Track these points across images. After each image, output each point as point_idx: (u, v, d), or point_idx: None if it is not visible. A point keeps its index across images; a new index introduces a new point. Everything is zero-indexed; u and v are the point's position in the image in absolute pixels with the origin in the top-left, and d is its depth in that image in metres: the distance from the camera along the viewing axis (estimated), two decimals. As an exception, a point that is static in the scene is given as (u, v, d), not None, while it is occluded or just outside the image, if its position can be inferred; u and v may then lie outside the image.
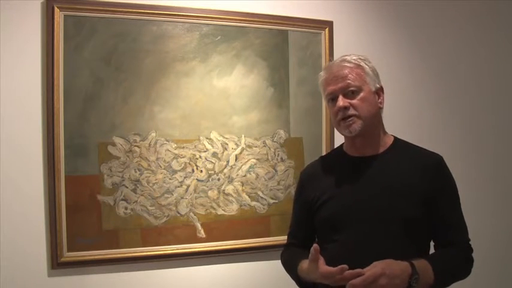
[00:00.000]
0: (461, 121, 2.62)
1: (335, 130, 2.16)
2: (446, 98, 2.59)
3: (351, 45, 2.31)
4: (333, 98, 1.45)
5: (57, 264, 1.89)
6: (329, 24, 2.31)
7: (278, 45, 2.23)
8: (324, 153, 2.25)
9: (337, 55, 2.25)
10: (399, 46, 2.50)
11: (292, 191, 2.22)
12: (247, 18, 2.16)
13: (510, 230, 2.68)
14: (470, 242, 1.45)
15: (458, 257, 1.41)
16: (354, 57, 1.46)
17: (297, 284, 1.51)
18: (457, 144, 2.56)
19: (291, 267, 1.52)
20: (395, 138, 1.52)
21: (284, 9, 2.24)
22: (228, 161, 2.15)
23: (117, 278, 1.99)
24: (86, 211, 1.93)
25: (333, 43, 2.30)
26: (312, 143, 2.28)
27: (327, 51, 2.29)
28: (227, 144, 2.15)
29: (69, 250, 1.91)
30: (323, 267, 1.30)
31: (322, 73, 1.51)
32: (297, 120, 2.26)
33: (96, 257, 1.94)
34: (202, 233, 2.10)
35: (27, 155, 1.88)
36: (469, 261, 1.44)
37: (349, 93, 1.42)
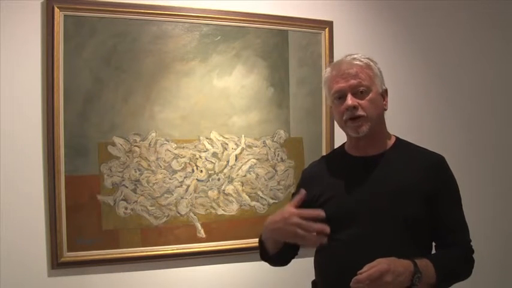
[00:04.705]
0: (462, 121, 2.62)
1: (335, 130, 2.19)
2: (447, 98, 2.59)
3: (351, 45, 2.30)
4: (340, 97, 1.42)
5: (57, 264, 1.89)
6: (329, 24, 2.31)
7: (278, 45, 2.22)
8: (324, 153, 2.25)
9: (337, 55, 2.26)
10: (399, 46, 2.49)
11: (293, 191, 2.22)
12: (247, 18, 2.16)
13: (510, 232, 2.68)
14: (471, 243, 1.44)
15: (459, 258, 1.40)
16: (363, 57, 1.44)
17: (260, 252, 1.47)
18: (457, 144, 2.56)
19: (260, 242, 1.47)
20: (397, 139, 1.52)
21: (284, 9, 2.24)
22: (228, 161, 2.15)
23: (117, 278, 1.99)
24: (86, 211, 1.93)
25: (333, 43, 2.30)
26: (312, 143, 2.28)
27: (327, 51, 2.29)
28: (227, 144, 2.15)
29: (69, 250, 1.91)
30: (294, 205, 1.31)
31: (328, 69, 1.47)
32: (297, 120, 2.26)
33: (96, 257, 1.94)
34: (202, 233, 2.10)
35: (27, 155, 1.88)
36: (470, 262, 1.43)
37: (358, 93, 1.39)
